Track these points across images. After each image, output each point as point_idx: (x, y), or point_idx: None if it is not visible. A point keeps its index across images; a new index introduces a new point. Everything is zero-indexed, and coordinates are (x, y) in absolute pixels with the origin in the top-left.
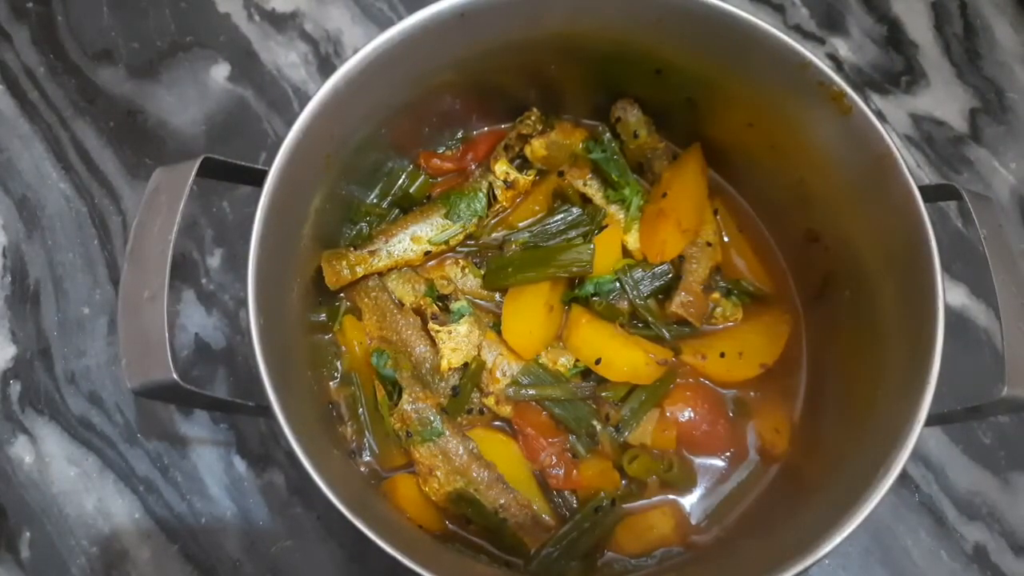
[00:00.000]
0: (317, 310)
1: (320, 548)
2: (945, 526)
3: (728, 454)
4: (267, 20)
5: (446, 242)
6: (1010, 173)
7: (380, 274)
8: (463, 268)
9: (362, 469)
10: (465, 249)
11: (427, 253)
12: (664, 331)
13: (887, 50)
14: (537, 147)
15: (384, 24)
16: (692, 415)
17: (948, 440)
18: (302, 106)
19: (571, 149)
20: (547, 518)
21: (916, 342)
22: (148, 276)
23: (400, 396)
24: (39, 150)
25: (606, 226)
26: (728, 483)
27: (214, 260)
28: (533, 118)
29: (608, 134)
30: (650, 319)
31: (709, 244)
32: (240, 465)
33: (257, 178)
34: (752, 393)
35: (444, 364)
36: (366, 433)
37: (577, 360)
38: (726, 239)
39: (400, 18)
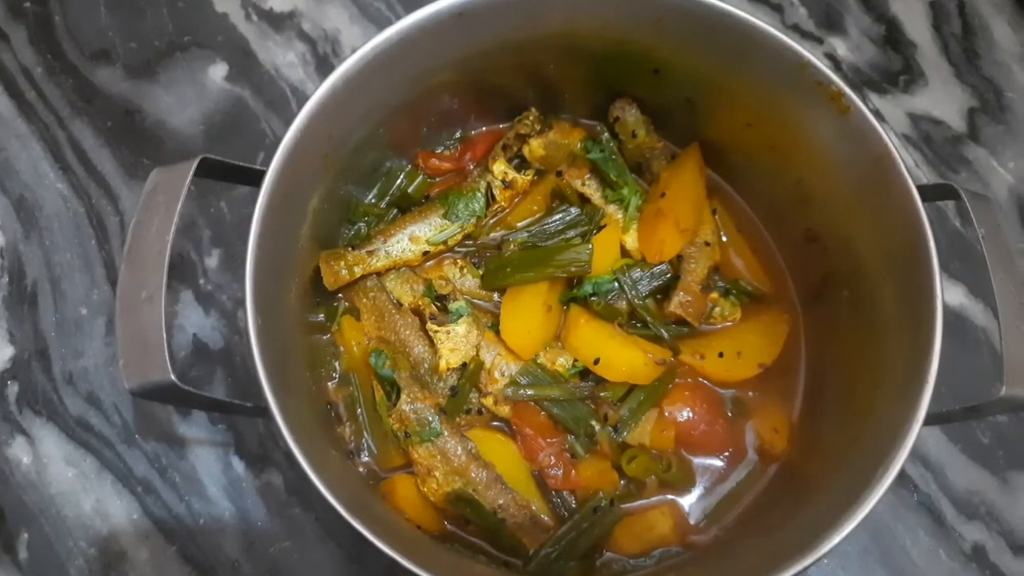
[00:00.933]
0: (315, 310)
1: (319, 549)
2: (944, 525)
3: (727, 454)
4: (265, 20)
5: (444, 242)
6: (1008, 172)
7: (378, 274)
8: (461, 268)
9: (360, 469)
10: (463, 249)
11: (425, 253)
12: (663, 331)
13: (885, 50)
14: (535, 147)
15: (382, 24)
16: (691, 415)
17: (947, 440)
18: (300, 106)
19: (569, 149)
20: (546, 518)
21: (915, 341)
22: (146, 276)
23: (398, 396)
24: (36, 150)
25: (604, 226)
26: (727, 483)
27: (212, 260)
28: (531, 118)
29: (606, 134)
30: (648, 319)
31: (707, 244)
32: (238, 466)
33: (255, 178)
34: (751, 393)
35: (442, 364)
36: (364, 433)
37: (576, 360)
38: (724, 239)
39: (398, 18)
